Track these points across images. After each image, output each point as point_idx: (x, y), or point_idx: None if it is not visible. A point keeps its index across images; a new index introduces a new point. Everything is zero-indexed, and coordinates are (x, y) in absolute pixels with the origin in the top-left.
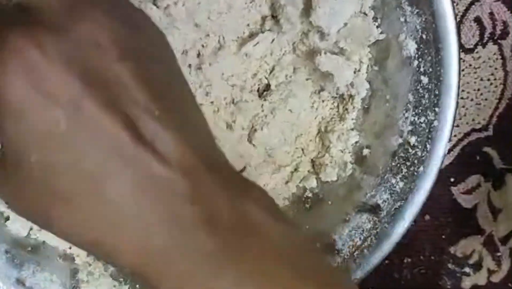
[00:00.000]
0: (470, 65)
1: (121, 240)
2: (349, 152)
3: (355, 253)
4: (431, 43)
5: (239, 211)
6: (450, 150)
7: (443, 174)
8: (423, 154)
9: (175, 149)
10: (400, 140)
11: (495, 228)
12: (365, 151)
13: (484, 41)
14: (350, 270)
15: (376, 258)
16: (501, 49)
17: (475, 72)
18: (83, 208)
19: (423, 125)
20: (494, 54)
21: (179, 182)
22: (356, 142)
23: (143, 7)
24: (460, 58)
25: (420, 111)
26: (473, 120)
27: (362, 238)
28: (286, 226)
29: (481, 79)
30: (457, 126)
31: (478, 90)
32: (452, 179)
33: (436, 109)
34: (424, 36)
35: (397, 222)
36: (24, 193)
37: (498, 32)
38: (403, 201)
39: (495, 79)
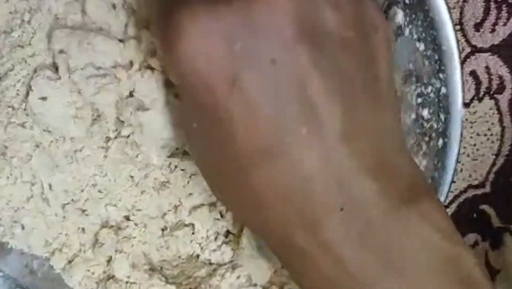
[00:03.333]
0: (467, 119)
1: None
2: None
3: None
4: (416, 6)
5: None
6: (446, 207)
7: None
8: (439, 126)
9: None
10: (413, 116)
11: None
12: None
13: (480, 95)
14: None
15: None
16: (497, 104)
17: (471, 127)
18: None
19: (432, 94)
20: (491, 109)
21: None
22: None
23: None
24: (452, 19)
25: (425, 81)
26: (470, 176)
27: None
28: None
29: (478, 134)
30: (454, 182)
31: (475, 145)
32: None
33: (441, 75)
34: (407, 1)
35: None
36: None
37: (494, 86)
38: (429, 180)
39: (491, 135)
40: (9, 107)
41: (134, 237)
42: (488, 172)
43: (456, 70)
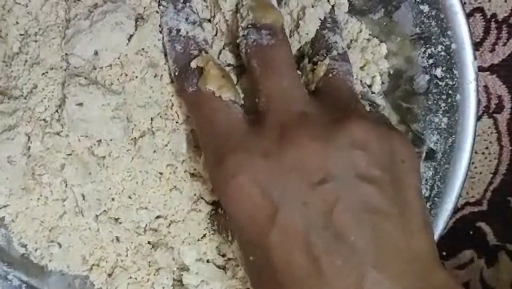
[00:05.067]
0: None
1: None
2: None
3: (428, 205)
4: None
5: None
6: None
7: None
8: (454, 82)
9: None
10: (427, 77)
11: None
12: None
13: (479, 114)
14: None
15: (449, 202)
16: (496, 123)
17: None
18: None
19: (442, 53)
20: (489, 127)
21: None
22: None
23: None
24: None
25: (434, 41)
26: (467, 193)
27: (428, 188)
28: None
29: (476, 152)
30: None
31: (473, 163)
32: (444, 253)
33: (449, 32)
34: None
35: (456, 158)
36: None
37: (493, 106)
38: (453, 136)
39: (489, 153)
40: (41, 120)
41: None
42: (486, 190)
43: (463, 25)
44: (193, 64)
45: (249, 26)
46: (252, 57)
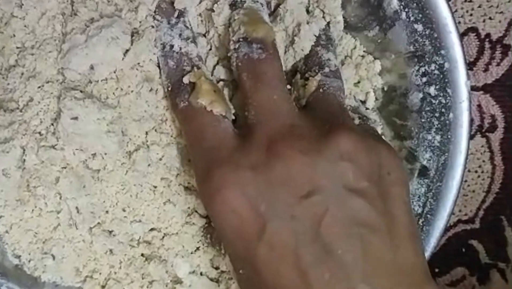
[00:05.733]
0: None
1: None
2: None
3: (420, 222)
4: None
5: None
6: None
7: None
8: (447, 101)
9: None
10: (421, 95)
11: None
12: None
13: (472, 133)
14: None
15: (441, 219)
16: (489, 142)
17: None
18: None
19: (436, 71)
20: (482, 146)
21: None
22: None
23: None
24: None
25: (427, 59)
26: (460, 211)
27: (421, 204)
28: None
29: (469, 171)
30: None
31: (466, 181)
32: (436, 270)
33: (442, 51)
34: None
35: (449, 176)
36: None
37: (486, 125)
38: (446, 154)
39: (482, 172)
40: (36, 133)
41: (163, 245)
42: (478, 208)
43: (456, 45)
44: (185, 80)
45: (240, 39)
46: (243, 71)
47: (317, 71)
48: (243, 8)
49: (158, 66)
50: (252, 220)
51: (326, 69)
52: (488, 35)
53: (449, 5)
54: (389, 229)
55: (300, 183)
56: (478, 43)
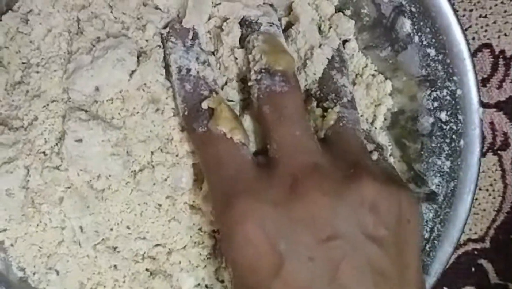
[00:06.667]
0: None
1: None
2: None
3: (427, 247)
4: (423, 14)
5: None
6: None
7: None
8: (458, 127)
9: None
10: (432, 119)
11: None
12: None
13: (484, 150)
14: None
15: (448, 246)
16: (501, 160)
17: None
18: None
19: (448, 97)
20: (494, 164)
21: None
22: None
23: None
24: (459, 21)
25: (439, 84)
26: (470, 229)
27: (428, 230)
28: None
29: (480, 189)
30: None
31: (476, 199)
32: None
33: (455, 77)
34: (413, 9)
35: (457, 203)
36: None
37: (498, 143)
38: (456, 180)
39: (493, 190)
40: (41, 153)
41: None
42: (489, 228)
43: (470, 72)
44: (204, 105)
45: (262, 70)
46: (264, 103)
47: (335, 101)
48: (261, 32)
49: (165, 87)
50: (269, 256)
51: (344, 99)
52: (502, 51)
53: (463, 31)
54: (401, 278)
55: (321, 226)
56: (492, 59)
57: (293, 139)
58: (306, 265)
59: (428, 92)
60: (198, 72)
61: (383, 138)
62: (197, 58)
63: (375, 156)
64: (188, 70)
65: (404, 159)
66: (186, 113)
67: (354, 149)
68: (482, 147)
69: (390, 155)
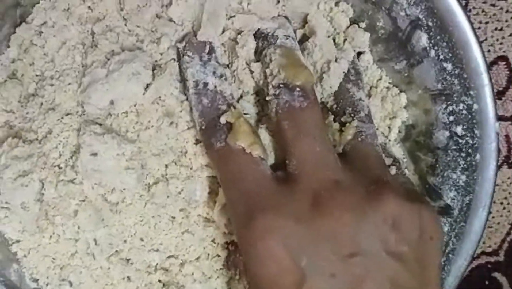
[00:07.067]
0: None
1: None
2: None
3: (442, 261)
4: (440, 28)
5: None
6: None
7: None
8: (474, 141)
9: None
10: (447, 133)
11: None
12: (417, 153)
13: (499, 163)
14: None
15: (463, 260)
16: None
17: None
18: None
19: (464, 111)
20: (509, 178)
21: None
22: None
23: None
24: (476, 35)
25: (455, 99)
26: (483, 242)
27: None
28: None
29: (494, 202)
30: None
31: (490, 212)
32: None
33: (471, 92)
34: (430, 23)
35: (473, 217)
36: None
37: None
38: (471, 195)
39: (508, 204)
40: (55, 167)
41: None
42: (503, 241)
43: (486, 86)
44: (222, 120)
45: (281, 85)
46: (284, 119)
47: (352, 115)
48: (278, 46)
49: (179, 100)
50: (291, 271)
51: (361, 113)
52: None
53: (480, 46)
54: None
55: (344, 242)
56: (508, 72)
57: (313, 155)
58: (328, 281)
59: (444, 106)
60: (215, 87)
61: (397, 151)
62: (214, 72)
63: (393, 170)
64: (206, 84)
65: (417, 172)
66: (203, 127)
67: (374, 165)
68: (499, 151)
69: (405, 168)
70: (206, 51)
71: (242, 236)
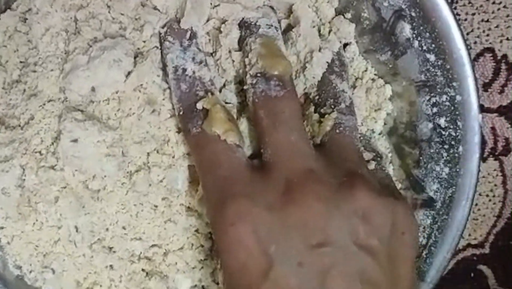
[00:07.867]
0: None
1: None
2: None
3: (423, 253)
4: (423, 19)
5: None
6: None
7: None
8: (457, 133)
9: None
10: (431, 125)
11: None
12: (403, 146)
13: (485, 155)
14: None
15: (446, 252)
16: (502, 165)
17: None
18: None
19: (447, 103)
20: (495, 170)
21: None
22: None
23: None
24: (460, 26)
25: (438, 90)
26: (469, 235)
27: (425, 236)
28: None
29: (480, 194)
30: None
31: (476, 205)
32: None
33: (454, 83)
34: (413, 14)
35: (455, 210)
36: None
37: (499, 148)
38: (454, 187)
39: (494, 196)
40: (36, 153)
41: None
42: (488, 233)
43: (469, 77)
44: (199, 106)
45: (258, 74)
46: (260, 108)
47: (332, 106)
48: (259, 35)
49: (162, 88)
50: (260, 258)
51: (342, 105)
52: (504, 56)
53: (463, 36)
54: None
55: (313, 232)
56: (494, 64)
57: (288, 144)
58: (295, 270)
59: (427, 97)
60: (194, 72)
61: (382, 143)
62: (193, 58)
63: (372, 165)
64: (184, 70)
65: (402, 165)
66: (181, 113)
67: (350, 157)
68: (482, 153)
69: (390, 163)
70: (187, 37)
71: (215, 222)
